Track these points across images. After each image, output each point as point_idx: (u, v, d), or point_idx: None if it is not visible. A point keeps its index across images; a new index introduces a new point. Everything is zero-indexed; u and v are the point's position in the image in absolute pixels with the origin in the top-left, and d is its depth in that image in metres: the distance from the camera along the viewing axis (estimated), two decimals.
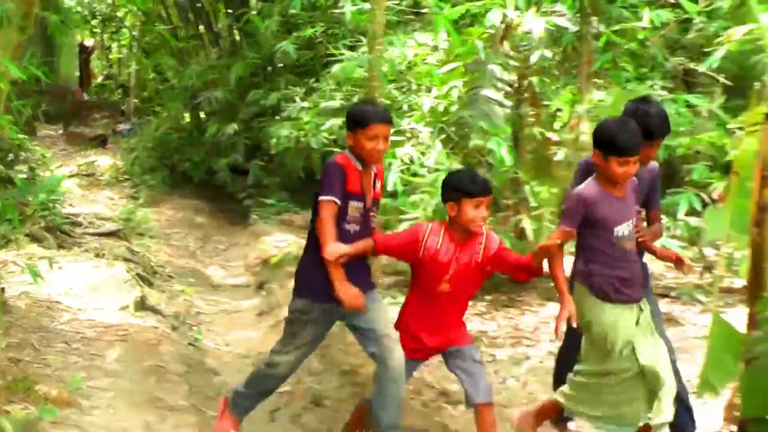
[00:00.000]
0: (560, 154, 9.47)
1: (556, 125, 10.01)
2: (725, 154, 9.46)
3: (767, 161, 5.42)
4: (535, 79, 9.52)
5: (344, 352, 7.02)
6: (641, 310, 5.23)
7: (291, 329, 5.49)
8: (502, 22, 9.01)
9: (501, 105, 8.81)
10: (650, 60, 10.43)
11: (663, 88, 10.17)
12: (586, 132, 9.44)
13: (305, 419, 6.53)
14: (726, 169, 9.23)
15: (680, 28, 10.73)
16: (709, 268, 9.67)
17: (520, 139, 9.53)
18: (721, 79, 9.89)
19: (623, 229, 5.10)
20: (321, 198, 5.20)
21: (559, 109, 9.74)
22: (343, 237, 5.29)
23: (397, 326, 5.42)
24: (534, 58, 9.25)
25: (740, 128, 6.20)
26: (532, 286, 9.58)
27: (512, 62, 9.19)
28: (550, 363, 7.43)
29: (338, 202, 5.22)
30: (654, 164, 5.63)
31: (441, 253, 5.13)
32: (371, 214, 5.49)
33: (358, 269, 5.40)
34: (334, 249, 5.04)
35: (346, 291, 5.11)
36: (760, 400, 5.42)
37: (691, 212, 8.94)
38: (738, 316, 5.89)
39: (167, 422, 5.55)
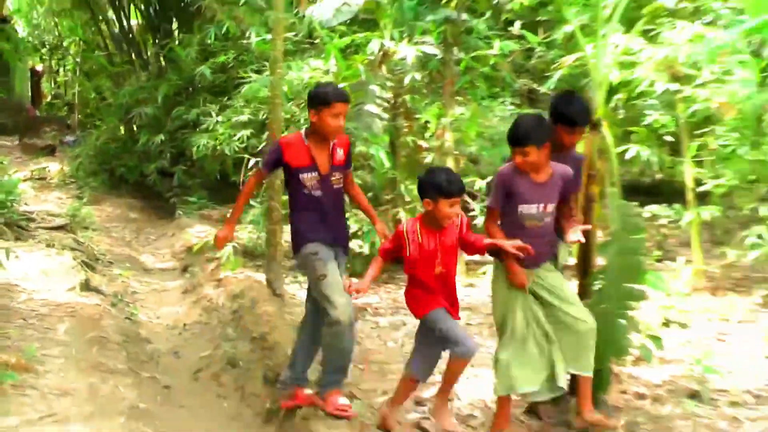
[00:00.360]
0: (429, 158, 9.56)
1: (426, 135, 10.08)
2: None
3: (593, 162, 5.58)
4: (407, 97, 9.59)
5: (254, 323, 6.99)
6: (539, 278, 5.12)
7: (316, 272, 5.22)
8: (380, 50, 9.06)
9: (380, 118, 8.84)
10: (501, 81, 10.61)
11: (511, 104, 10.36)
12: (449, 140, 9.59)
13: (223, 378, 6.56)
14: None
15: (525, 56, 10.93)
16: None
17: (396, 146, 9.59)
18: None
19: (530, 209, 4.99)
20: (257, 168, 5.43)
21: (427, 122, 9.82)
22: (309, 201, 5.31)
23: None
24: (407, 79, 9.30)
25: None
26: None
27: (389, 83, 9.24)
28: None
29: (264, 172, 5.46)
30: (579, 152, 5.49)
31: (425, 243, 4.96)
32: (332, 179, 5.37)
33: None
34: (359, 286, 4.99)
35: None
36: (596, 357, 5.51)
37: None
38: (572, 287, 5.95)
39: (108, 383, 5.49)
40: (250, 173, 5.41)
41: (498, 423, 5.18)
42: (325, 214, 5.38)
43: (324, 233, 5.34)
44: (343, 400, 5.24)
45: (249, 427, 5.63)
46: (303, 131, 5.40)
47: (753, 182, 8.71)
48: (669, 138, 9.48)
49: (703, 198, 8.90)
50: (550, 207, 5.03)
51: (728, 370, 6.43)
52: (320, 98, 5.18)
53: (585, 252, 5.67)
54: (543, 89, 9.63)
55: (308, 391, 5.48)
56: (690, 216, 8.71)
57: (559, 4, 6.32)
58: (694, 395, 6.00)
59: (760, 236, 8.01)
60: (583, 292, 5.67)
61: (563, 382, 5.06)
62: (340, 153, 5.40)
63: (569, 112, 5.12)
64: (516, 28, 10.29)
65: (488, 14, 10.18)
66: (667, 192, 10.78)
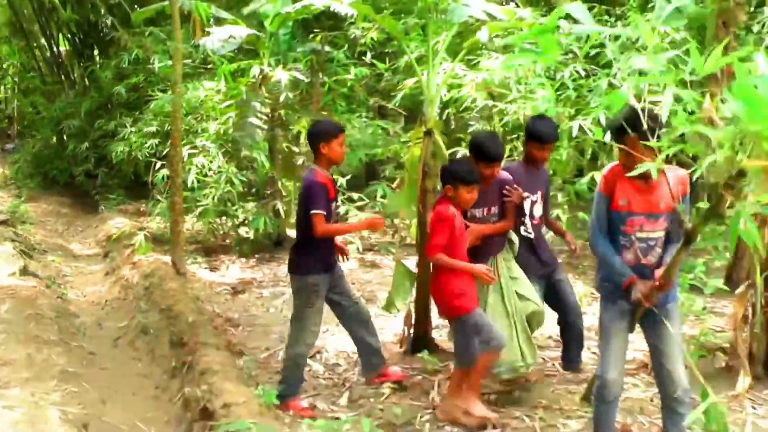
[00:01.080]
0: (300, 160, 9.45)
1: (298, 142, 9.99)
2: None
3: (427, 162, 5.56)
4: (283, 112, 9.42)
5: (162, 297, 6.73)
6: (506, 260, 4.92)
7: (309, 301, 4.81)
8: (260, 74, 8.88)
9: (261, 129, 8.65)
10: (357, 99, 10.57)
11: (366, 117, 10.31)
12: None
13: (137, 344, 6.27)
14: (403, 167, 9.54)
15: (375, 79, 10.87)
16: (396, 230, 9.87)
17: (274, 151, 9.42)
18: (401, 111, 10.14)
19: (476, 212, 4.82)
20: (313, 212, 4.58)
21: (299, 131, 9.69)
22: None
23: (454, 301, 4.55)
24: (282, 97, 9.15)
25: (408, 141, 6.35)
26: (284, 247, 9.57)
27: (268, 100, 9.05)
28: None
29: (324, 214, 4.61)
30: (546, 169, 5.28)
31: (458, 223, 4.51)
32: (338, 205, 5.11)
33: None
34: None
35: None
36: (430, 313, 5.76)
37: (384, 195, 9.05)
38: (412, 261, 6.08)
39: (43, 352, 5.20)
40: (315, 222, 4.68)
41: (467, 396, 4.69)
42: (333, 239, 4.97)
43: (331, 258, 4.93)
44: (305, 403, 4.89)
45: (158, 382, 5.45)
46: (317, 167, 4.78)
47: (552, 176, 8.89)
48: None
49: None
50: (494, 209, 4.88)
51: None
52: (330, 131, 4.73)
53: (422, 234, 5.65)
54: (390, 105, 9.60)
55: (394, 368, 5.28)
56: None
57: (400, 40, 6.27)
58: None
59: (558, 219, 8.14)
60: (422, 265, 5.68)
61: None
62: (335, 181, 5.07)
63: (539, 131, 4.88)
64: (368, 57, 10.26)
65: (346, 47, 10.13)
66: None
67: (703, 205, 7.34)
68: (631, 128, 3.29)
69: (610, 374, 3.71)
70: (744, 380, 4.75)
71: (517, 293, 4.85)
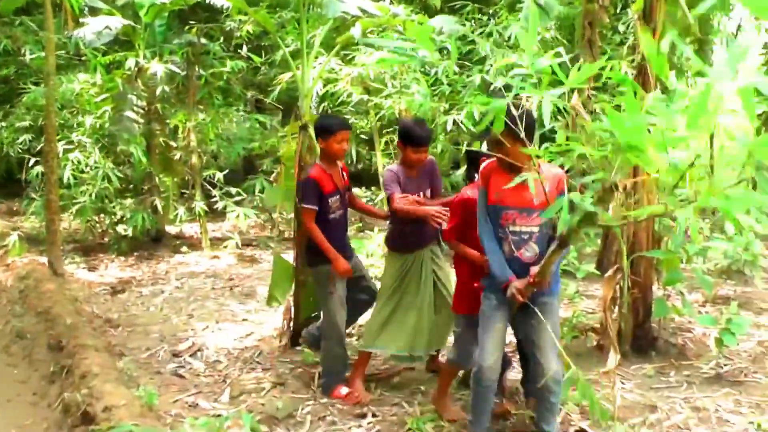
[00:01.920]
0: (178, 155, 9.41)
1: (175, 136, 9.93)
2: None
3: (303, 156, 5.63)
4: (159, 105, 9.32)
5: (38, 299, 6.59)
6: (434, 254, 4.91)
7: (328, 290, 4.89)
8: (136, 67, 8.78)
9: (137, 123, 8.59)
10: (234, 93, 10.57)
11: (243, 111, 10.36)
12: (193, 140, 9.49)
13: (12, 349, 6.05)
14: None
15: (252, 72, 10.91)
16: (275, 225, 9.96)
17: (151, 146, 9.29)
18: (278, 105, 10.20)
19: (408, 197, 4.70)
20: (303, 206, 4.83)
21: (176, 125, 9.65)
22: (332, 224, 4.89)
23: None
24: (158, 91, 9.06)
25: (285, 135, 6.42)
26: (164, 244, 9.56)
27: (144, 94, 8.97)
28: (179, 294, 7.56)
29: (313, 209, 4.78)
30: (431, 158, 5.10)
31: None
32: (346, 198, 5.08)
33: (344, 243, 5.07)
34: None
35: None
36: (307, 306, 5.82)
37: (262, 190, 9.10)
38: (290, 255, 6.10)
39: None
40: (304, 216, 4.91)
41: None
42: (342, 230, 5.07)
43: (341, 250, 4.94)
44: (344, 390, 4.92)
45: (36, 388, 5.36)
46: (317, 161, 4.99)
47: None
48: (364, 137, 9.82)
49: None
50: (426, 194, 4.87)
51: None
52: (326, 128, 4.87)
53: (300, 225, 5.64)
54: (269, 100, 9.63)
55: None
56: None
57: (274, 34, 6.36)
58: None
59: None
60: (299, 258, 5.75)
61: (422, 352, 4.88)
62: (345, 176, 5.10)
63: (414, 135, 4.72)
64: (244, 50, 10.30)
65: (222, 39, 10.12)
66: (366, 178, 11.21)
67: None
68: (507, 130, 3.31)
69: (487, 361, 3.84)
70: (613, 357, 5.08)
71: (437, 287, 4.91)
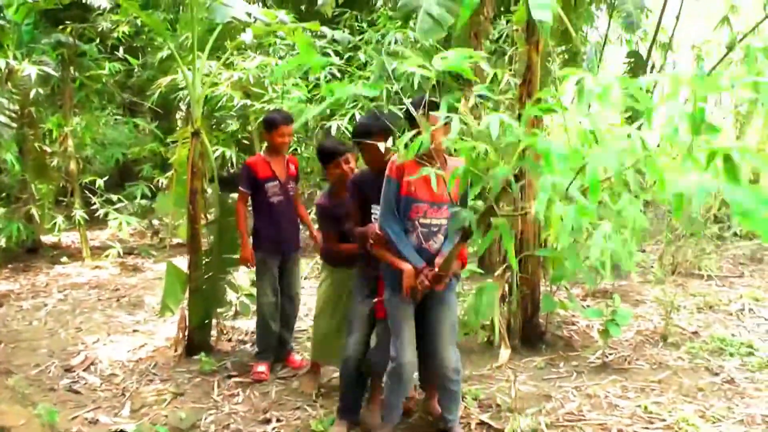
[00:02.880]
0: (54, 161, 9.04)
1: (50, 141, 9.53)
2: (161, 157, 9.58)
3: (195, 162, 5.57)
4: (33, 109, 8.94)
5: None
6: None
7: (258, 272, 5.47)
8: (6, 68, 8.36)
9: (9, 127, 8.18)
10: (110, 95, 10.25)
11: (119, 114, 10.05)
12: (70, 145, 9.13)
13: None
14: (164, 167, 9.37)
15: (128, 75, 10.60)
16: (156, 232, 9.72)
17: (24, 151, 8.90)
18: (158, 109, 9.97)
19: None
20: (239, 189, 5.36)
21: (50, 130, 9.26)
22: (273, 209, 5.34)
23: None
24: (32, 94, 8.71)
25: (176, 141, 6.28)
26: (40, 255, 9.14)
27: (16, 96, 8.56)
28: (63, 307, 7.31)
29: (246, 191, 5.35)
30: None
31: None
32: (289, 186, 5.44)
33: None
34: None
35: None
36: (200, 314, 5.77)
37: (143, 196, 8.92)
38: (181, 262, 6.03)
39: None
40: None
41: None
42: (285, 217, 5.43)
43: (276, 235, 5.39)
44: (261, 368, 5.40)
45: None
46: (262, 152, 5.53)
47: (309, 173, 9.23)
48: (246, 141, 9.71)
49: None
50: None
51: (306, 314, 6.77)
52: (268, 123, 5.35)
53: (193, 234, 5.69)
54: (148, 104, 9.38)
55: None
56: None
57: (165, 37, 6.20)
58: None
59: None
60: (193, 265, 5.71)
61: None
62: (292, 167, 5.49)
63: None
64: (120, 52, 10.00)
65: (98, 40, 9.78)
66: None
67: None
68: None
69: (406, 357, 3.91)
70: (505, 352, 5.31)
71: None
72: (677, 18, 9.59)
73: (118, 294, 7.64)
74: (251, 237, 5.49)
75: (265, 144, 5.53)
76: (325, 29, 6.22)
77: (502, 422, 4.48)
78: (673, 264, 7.98)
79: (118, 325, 6.65)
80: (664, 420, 4.53)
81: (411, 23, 6.08)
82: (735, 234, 9.73)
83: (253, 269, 5.49)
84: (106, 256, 8.67)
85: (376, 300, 4.17)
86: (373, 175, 4.14)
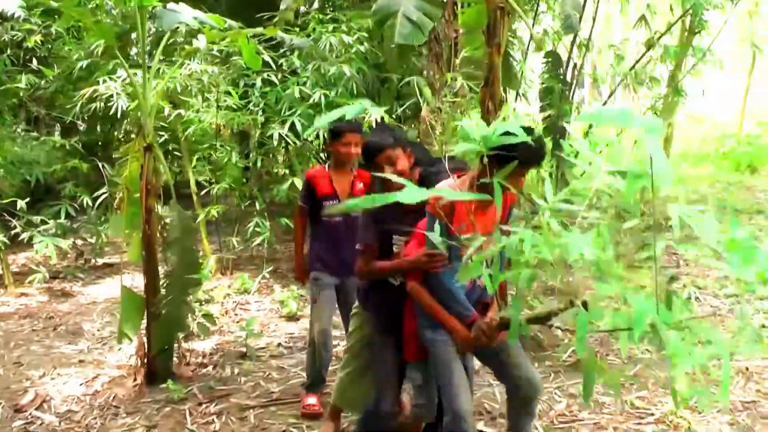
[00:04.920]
0: None
1: None
2: (87, 176, 8.97)
3: (150, 179, 5.20)
4: None
5: None
6: None
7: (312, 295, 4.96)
8: None
9: None
10: (21, 109, 9.49)
11: (27, 130, 9.29)
12: None
13: None
14: (88, 185, 8.70)
15: (32, 87, 9.73)
16: (81, 254, 9.03)
17: None
18: (79, 122, 9.30)
19: None
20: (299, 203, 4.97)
21: None
22: (328, 228, 4.77)
23: None
24: None
25: (119, 157, 5.78)
26: None
27: None
28: None
29: (305, 206, 4.86)
30: None
31: None
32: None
33: None
34: None
35: None
36: (163, 340, 5.40)
37: (68, 216, 8.28)
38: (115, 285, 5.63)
39: None
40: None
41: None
42: (339, 240, 4.75)
43: (333, 258, 4.80)
44: (311, 400, 4.86)
45: None
46: (327, 164, 4.94)
47: (244, 184, 8.81)
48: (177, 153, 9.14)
49: (205, 199, 8.63)
50: None
51: (261, 331, 6.53)
52: (333, 131, 4.72)
53: (150, 255, 5.31)
54: (69, 118, 8.66)
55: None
56: (198, 216, 8.38)
57: (113, 47, 5.70)
58: (243, 355, 5.96)
59: (258, 225, 8.07)
60: (150, 289, 5.33)
61: None
62: (359, 185, 4.81)
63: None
64: (35, 63, 9.27)
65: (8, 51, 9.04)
66: (178, 196, 10.45)
67: None
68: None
69: (466, 404, 3.42)
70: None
71: None
72: (594, 19, 9.66)
73: (53, 323, 7.02)
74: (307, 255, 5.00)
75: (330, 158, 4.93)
76: (282, 34, 5.89)
77: (499, 428, 4.41)
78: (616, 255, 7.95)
79: (60, 356, 6.11)
80: (653, 414, 4.58)
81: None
82: (660, 224, 9.86)
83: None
84: (30, 282, 7.91)
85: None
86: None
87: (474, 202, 3.17)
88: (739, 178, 15.31)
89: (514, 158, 2.74)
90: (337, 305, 4.96)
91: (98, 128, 10.20)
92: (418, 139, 6.54)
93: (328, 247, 4.81)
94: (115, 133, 10.38)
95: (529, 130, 2.90)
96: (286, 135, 7.89)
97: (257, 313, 7.14)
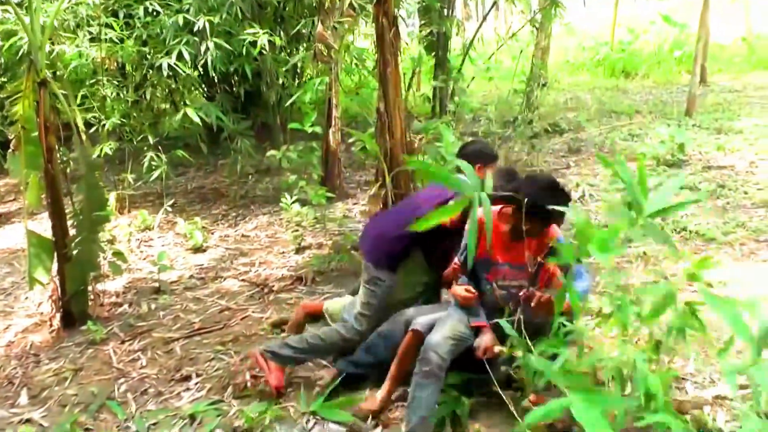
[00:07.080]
0: None
1: None
2: None
3: (47, 116, 4.97)
4: None
5: None
6: None
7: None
8: None
9: None
10: None
11: None
12: None
13: None
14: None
15: None
16: None
17: None
18: None
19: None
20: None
21: None
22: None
23: None
24: None
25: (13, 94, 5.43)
26: None
27: None
28: None
29: None
30: None
31: None
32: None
33: None
34: None
35: None
36: (77, 282, 5.26)
37: None
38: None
39: None
40: None
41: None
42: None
43: None
44: None
45: None
46: None
47: (134, 118, 8.45)
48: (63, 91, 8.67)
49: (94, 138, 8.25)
50: None
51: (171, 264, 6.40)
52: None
53: (55, 197, 5.14)
54: None
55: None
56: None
57: None
58: (157, 290, 5.87)
59: (153, 160, 7.81)
60: (58, 230, 5.17)
61: None
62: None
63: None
64: None
65: None
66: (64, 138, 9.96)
67: None
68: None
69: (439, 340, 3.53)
70: None
71: None
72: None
73: None
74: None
75: None
76: None
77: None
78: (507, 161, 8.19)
79: None
80: None
81: None
82: (546, 131, 10.19)
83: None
84: None
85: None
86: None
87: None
88: (614, 83, 15.89)
89: (546, 213, 3.11)
90: None
91: None
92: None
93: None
94: None
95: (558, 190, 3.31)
96: (175, 65, 7.62)
97: (163, 248, 6.97)
